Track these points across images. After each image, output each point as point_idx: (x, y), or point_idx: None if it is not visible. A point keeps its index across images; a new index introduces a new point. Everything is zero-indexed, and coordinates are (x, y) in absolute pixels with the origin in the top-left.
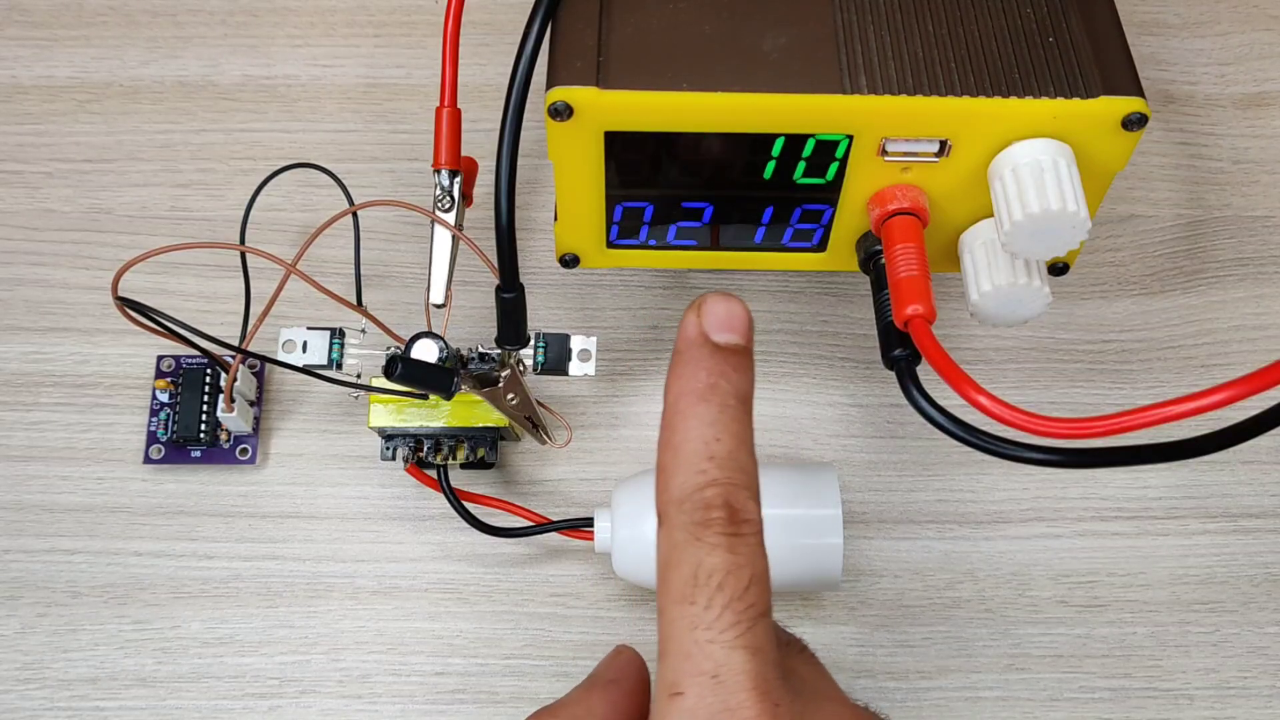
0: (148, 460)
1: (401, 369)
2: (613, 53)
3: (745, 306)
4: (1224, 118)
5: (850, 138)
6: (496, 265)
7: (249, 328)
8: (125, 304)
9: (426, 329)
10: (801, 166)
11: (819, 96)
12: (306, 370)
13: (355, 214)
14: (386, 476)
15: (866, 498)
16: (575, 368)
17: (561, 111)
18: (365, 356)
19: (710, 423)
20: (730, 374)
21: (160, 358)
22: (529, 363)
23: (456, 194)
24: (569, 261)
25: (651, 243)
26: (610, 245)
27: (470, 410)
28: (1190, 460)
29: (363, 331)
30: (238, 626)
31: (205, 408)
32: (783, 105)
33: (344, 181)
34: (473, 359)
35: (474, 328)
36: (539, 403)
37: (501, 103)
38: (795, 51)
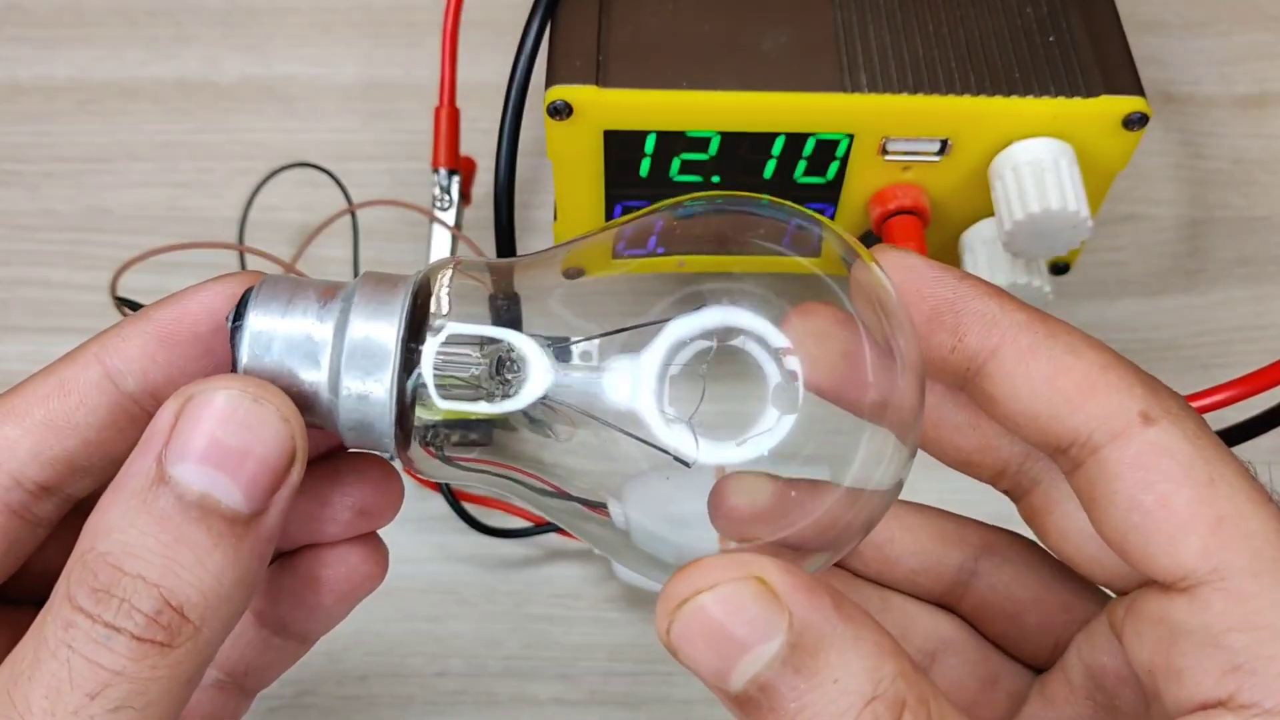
0: None
1: None
2: (612, 52)
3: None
4: (1224, 118)
5: (851, 137)
6: None
7: None
8: (124, 304)
9: None
10: (802, 165)
11: (819, 95)
12: None
13: (354, 214)
14: None
15: None
16: None
17: (561, 110)
18: None
19: None
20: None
21: None
22: None
23: (455, 194)
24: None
25: None
26: None
27: None
28: None
29: None
30: None
31: None
32: (783, 104)
33: (343, 181)
34: None
35: None
36: None
37: (501, 102)
38: (795, 50)
